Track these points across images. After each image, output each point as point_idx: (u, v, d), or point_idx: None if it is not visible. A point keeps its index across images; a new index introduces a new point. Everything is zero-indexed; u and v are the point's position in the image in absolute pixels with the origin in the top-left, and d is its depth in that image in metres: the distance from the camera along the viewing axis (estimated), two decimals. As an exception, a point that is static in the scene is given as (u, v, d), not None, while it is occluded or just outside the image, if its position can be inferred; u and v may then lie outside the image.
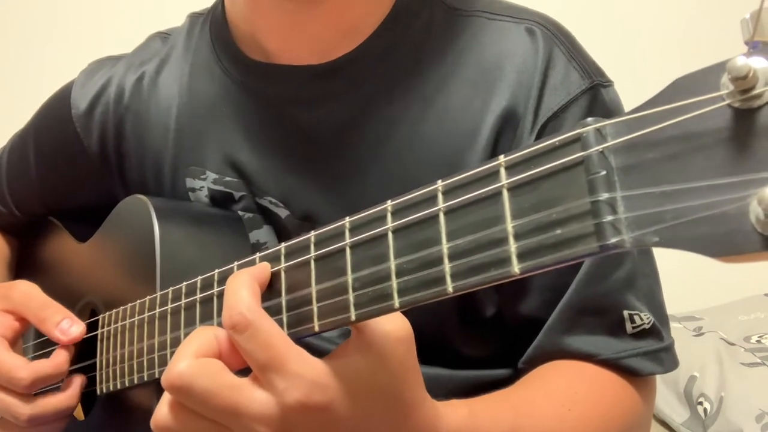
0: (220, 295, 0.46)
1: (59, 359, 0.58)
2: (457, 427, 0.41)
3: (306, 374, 0.36)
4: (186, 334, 0.49)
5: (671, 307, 0.59)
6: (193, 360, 0.37)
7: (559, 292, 0.54)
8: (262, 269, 0.41)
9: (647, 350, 0.54)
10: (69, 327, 0.59)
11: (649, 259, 0.57)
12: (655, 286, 0.57)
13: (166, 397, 0.39)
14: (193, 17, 0.70)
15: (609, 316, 0.54)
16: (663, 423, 1.34)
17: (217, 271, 0.46)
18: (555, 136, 0.28)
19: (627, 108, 0.59)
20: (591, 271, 0.54)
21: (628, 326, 0.54)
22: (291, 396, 0.36)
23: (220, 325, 0.45)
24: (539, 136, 0.54)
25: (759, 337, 1.37)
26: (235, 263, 0.44)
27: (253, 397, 0.36)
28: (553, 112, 0.54)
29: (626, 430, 0.54)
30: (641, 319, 0.54)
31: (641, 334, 0.54)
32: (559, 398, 0.50)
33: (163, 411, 0.39)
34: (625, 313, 0.54)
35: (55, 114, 0.72)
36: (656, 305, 0.56)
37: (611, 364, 0.54)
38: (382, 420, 0.38)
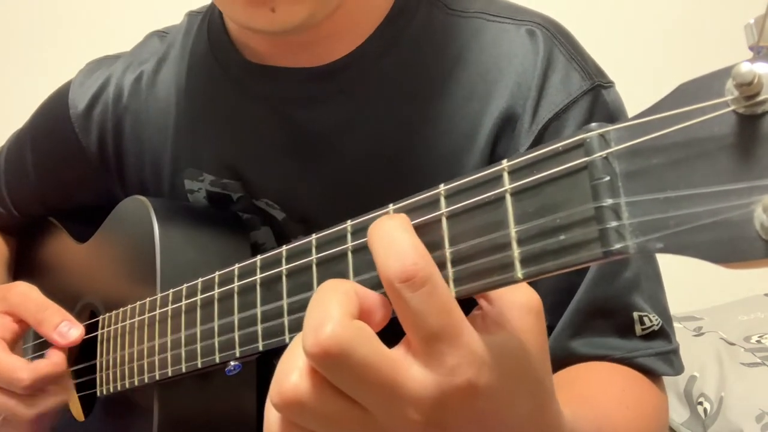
0: (221, 297, 0.45)
1: (56, 358, 0.58)
2: (572, 426, 0.36)
3: (479, 351, 0.30)
4: (187, 337, 0.49)
5: (671, 307, 0.59)
6: (350, 321, 0.29)
7: (561, 296, 0.54)
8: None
9: (659, 351, 0.54)
10: (68, 330, 0.59)
11: (652, 263, 0.57)
12: (659, 289, 0.57)
13: (300, 365, 0.30)
14: (192, 16, 0.70)
15: (618, 317, 0.54)
16: (663, 423, 1.34)
17: (217, 273, 0.46)
18: (558, 141, 0.27)
19: (628, 111, 0.59)
20: (599, 273, 0.53)
21: (638, 328, 0.54)
22: (462, 375, 0.29)
23: (222, 326, 0.45)
24: (540, 136, 0.54)
25: (759, 337, 1.37)
26: (236, 266, 0.44)
27: (410, 374, 0.29)
28: (554, 112, 0.54)
29: (663, 424, 0.54)
30: (650, 321, 0.54)
31: (651, 335, 0.54)
32: (614, 397, 0.50)
33: (294, 381, 0.30)
34: (635, 314, 0.54)
35: (53, 114, 0.72)
36: (661, 308, 0.56)
37: (625, 364, 0.54)
38: (526, 409, 0.32)
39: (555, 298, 0.54)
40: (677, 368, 0.56)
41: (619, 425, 0.47)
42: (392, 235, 0.30)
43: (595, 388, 0.51)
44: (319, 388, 0.29)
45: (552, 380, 0.33)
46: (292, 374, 0.30)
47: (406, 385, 0.29)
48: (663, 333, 0.55)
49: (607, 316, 0.54)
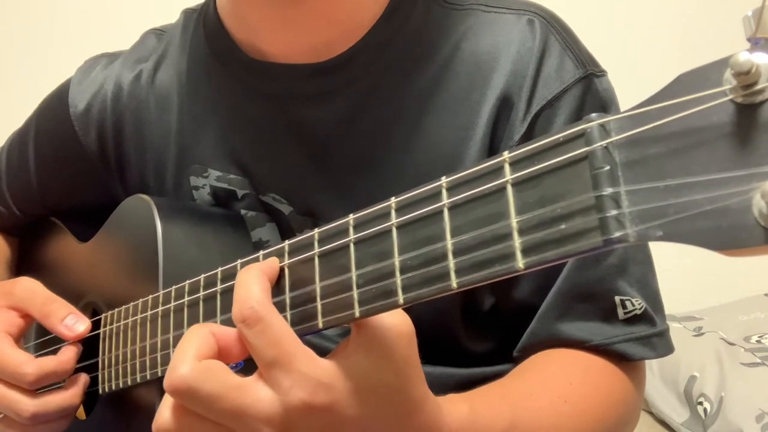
0: (223, 292, 0.46)
1: (65, 357, 0.58)
2: (459, 425, 0.41)
3: (312, 374, 0.36)
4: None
5: (671, 307, 0.59)
6: (196, 363, 0.36)
7: (550, 278, 0.55)
8: (272, 264, 0.40)
9: (639, 335, 0.55)
10: (74, 323, 0.59)
11: (642, 247, 0.58)
12: (649, 273, 0.57)
13: (168, 400, 0.38)
14: (188, 13, 0.70)
15: (601, 301, 0.55)
16: (663, 423, 1.35)
17: (220, 269, 0.46)
18: (559, 132, 0.28)
19: (628, 102, 0.60)
20: (582, 257, 0.54)
21: (620, 312, 0.54)
22: (296, 395, 0.36)
23: (224, 322, 0.45)
24: (532, 125, 0.55)
25: (759, 337, 1.37)
26: (238, 261, 0.45)
27: (257, 396, 0.36)
28: (547, 100, 0.55)
29: (620, 418, 0.54)
30: (633, 305, 0.55)
31: (633, 319, 0.55)
32: (555, 390, 0.51)
33: (165, 414, 0.38)
34: (617, 298, 0.54)
35: (54, 113, 0.72)
36: (649, 292, 0.56)
37: (603, 350, 0.54)
38: (387, 418, 0.38)
39: (541, 281, 0.56)
40: (661, 350, 0.56)
41: (546, 419, 0.48)
42: (242, 284, 0.38)
43: (539, 380, 0.52)
44: (181, 416, 0.38)
45: (423, 388, 0.38)
46: (163, 406, 0.38)
47: (255, 406, 0.36)
48: (646, 317, 0.55)
49: (589, 300, 0.55)
